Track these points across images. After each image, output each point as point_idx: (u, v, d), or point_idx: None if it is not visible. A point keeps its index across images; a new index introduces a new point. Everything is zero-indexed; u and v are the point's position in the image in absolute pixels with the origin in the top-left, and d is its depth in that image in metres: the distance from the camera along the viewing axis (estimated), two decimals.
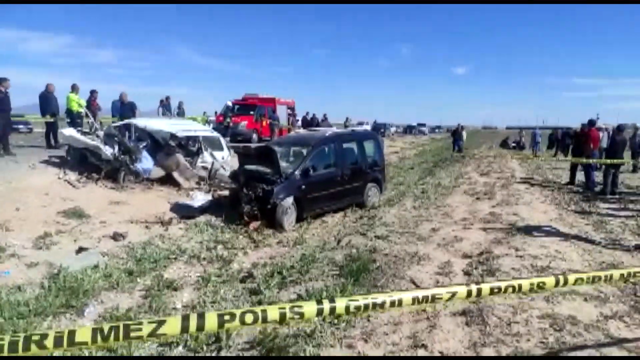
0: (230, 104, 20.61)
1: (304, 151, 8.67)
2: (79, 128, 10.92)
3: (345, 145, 9.58)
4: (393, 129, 54.02)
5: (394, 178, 13.80)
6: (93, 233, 6.77)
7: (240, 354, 3.41)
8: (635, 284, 4.59)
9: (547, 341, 3.45)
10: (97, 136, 10.03)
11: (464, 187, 12.02)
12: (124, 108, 13.63)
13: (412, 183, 12.85)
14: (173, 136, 10.17)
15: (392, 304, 2.11)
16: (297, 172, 8.10)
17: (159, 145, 10.12)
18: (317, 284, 4.85)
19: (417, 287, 4.81)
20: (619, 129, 11.56)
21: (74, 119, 11.93)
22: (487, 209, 8.92)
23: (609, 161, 10.51)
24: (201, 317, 1.80)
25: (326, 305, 2.00)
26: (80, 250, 6.01)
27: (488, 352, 3.33)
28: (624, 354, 3.25)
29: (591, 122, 12.13)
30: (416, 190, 11.48)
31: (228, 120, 18.81)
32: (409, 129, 61.20)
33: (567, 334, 3.54)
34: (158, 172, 10.08)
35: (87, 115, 12.47)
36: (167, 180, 10.20)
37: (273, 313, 1.89)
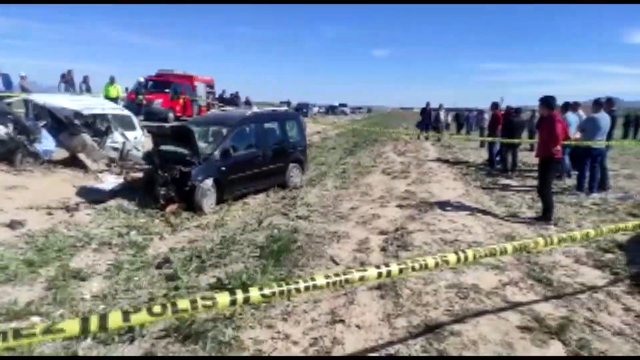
0: (142, 80, 19.34)
1: (224, 131, 8.41)
2: None
3: (266, 126, 9.46)
4: (315, 109, 54.23)
5: (315, 158, 13.94)
6: None
7: (156, 343, 3.28)
8: (529, 253, 5.10)
9: (453, 309, 3.73)
10: None
11: (382, 167, 12.50)
12: None
13: (333, 163, 13.07)
14: (78, 114, 9.36)
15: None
16: (216, 153, 7.85)
17: (62, 124, 9.27)
18: (237, 267, 4.79)
19: (337, 264, 4.95)
20: (517, 111, 12.67)
21: None
22: (402, 187, 9.36)
23: (513, 141, 11.42)
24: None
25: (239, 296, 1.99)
26: None
27: (401, 322, 3.52)
28: (519, 317, 3.60)
29: (495, 105, 13.11)
30: (337, 170, 11.71)
31: (141, 97, 17.69)
32: (331, 109, 61.98)
33: (471, 302, 3.86)
34: (61, 154, 9.26)
35: None
36: (72, 162, 9.40)
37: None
